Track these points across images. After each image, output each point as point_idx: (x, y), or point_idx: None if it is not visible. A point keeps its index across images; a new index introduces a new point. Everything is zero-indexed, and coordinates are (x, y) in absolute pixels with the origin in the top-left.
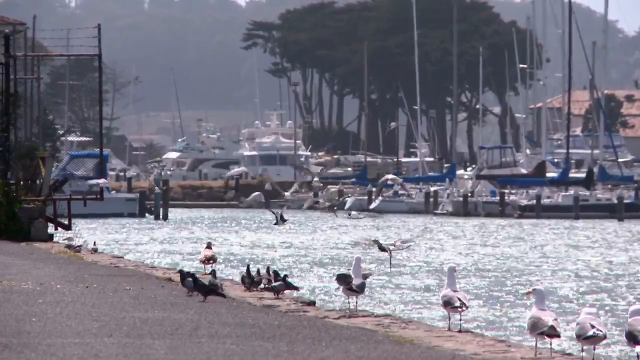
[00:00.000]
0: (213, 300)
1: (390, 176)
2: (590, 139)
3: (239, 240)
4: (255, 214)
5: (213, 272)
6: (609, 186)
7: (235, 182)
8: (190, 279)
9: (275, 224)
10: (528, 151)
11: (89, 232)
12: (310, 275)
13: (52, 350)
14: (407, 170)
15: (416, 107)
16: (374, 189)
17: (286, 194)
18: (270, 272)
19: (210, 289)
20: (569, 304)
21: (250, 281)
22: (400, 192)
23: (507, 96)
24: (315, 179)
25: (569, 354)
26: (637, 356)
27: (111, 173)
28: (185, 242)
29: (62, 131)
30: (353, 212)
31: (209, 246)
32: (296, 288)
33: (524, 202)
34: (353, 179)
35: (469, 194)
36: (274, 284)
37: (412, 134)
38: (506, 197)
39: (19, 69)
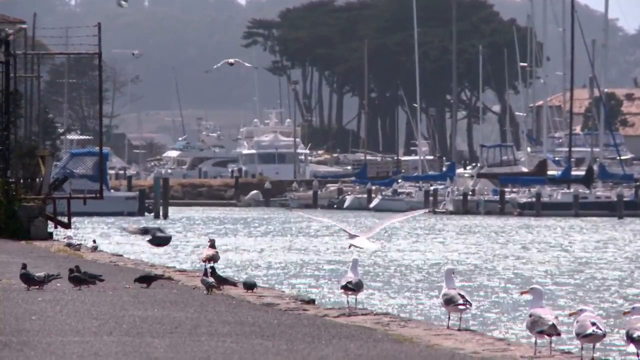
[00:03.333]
0: (213, 299)
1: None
2: (591, 137)
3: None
4: (255, 213)
5: (213, 269)
6: (610, 184)
7: (235, 180)
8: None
9: (151, 241)
10: (529, 149)
11: (88, 231)
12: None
13: (51, 348)
14: (407, 168)
15: (416, 105)
16: (373, 188)
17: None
18: (208, 270)
19: (33, 279)
20: (567, 302)
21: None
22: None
23: (507, 94)
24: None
25: (569, 352)
26: (637, 354)
27: (111, 172)
28: (184, 240)
29: (62, 129)
30: None
31: (212, 245)
32: (223, 280)
33: (524, 200)
34: (352, 178)
35: (470, 193)
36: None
37: (412, 132)
38: (506, 195)
39: (19, 67)
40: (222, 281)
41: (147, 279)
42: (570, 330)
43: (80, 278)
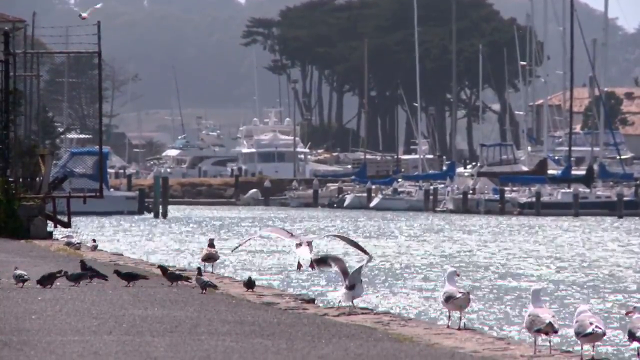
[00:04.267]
0: (213, 298)
1: None
2: (591, 137)
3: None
4: (255, 212)
5: (162, 267)
6: (610, 183)
7: (235, 179)
8: None
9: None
10: (529, 148)
11: (88, 230)
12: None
13: (51, 347)
14: (407, 167)
15: (416, 104)
16: (373, 187)
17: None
18: (202, 269)
19: None
20: (566, 301)
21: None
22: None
23: (507, 93)
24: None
25: (568, 352)
26: (637, 353)
27: (111, 171)
28: (185, 238)
29: (62, 128)
30: None
31: (211, 244)
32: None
33: (524, 199)
34: (352, 177)
35: (470, 192)
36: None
37: (412, 131)
38: (506, 194)
39: (18, 66)
40: (176, 278)
41: (130, 277)
42: (569, 329)
43: (46, 277)
